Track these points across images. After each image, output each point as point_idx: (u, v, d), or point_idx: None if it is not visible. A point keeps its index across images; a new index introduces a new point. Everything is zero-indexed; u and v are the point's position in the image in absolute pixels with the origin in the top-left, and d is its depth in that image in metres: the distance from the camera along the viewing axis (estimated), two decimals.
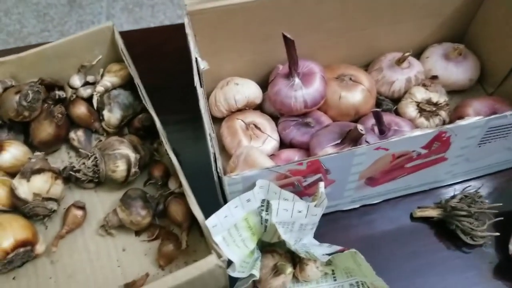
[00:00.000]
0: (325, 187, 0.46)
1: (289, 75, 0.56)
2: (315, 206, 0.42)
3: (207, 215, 0.41)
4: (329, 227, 0.53)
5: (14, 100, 0.54)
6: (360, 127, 0.48)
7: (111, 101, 0.59)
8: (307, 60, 0.59)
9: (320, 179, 0.46)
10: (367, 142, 0.50)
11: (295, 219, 0.44)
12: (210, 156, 0.41)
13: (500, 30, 0.59)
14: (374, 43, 0.63)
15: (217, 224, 0.41)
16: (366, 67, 0.65)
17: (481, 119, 0.44)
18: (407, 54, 0.59)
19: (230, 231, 0.43)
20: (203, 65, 0.47)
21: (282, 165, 0.42)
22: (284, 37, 0.52)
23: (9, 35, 1.78)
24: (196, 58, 0.47)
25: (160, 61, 0.70)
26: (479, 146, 0.49)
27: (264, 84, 0.61)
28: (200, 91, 0.45)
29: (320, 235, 0.49)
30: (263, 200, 0.44)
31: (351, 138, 0.49)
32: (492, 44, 0.61)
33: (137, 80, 0.54)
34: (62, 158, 0.60)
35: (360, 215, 0.56)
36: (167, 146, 0.49)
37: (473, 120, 0.44)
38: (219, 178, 0.42)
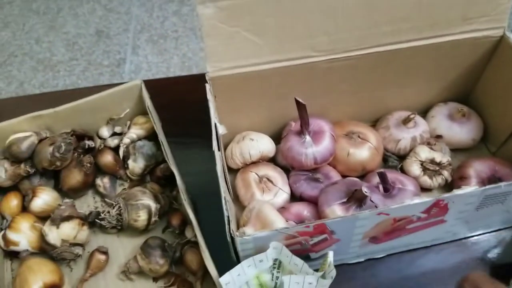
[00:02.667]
0: (330, 245, 0.49)
1: (300, 133, 0.60)
2: (323, 275, 0.45)
3: (220, 261, 0.46)
4: (334, 279, 0.56)
5: (48, 152, 0.59)
6: (364, 188, 0.51)
7: (136, 151, 0.63)
8: (318, 118, 0.63)
9: (326, 239, 0.49)
10: (371, 201, 0.54)
11: None
12: (224, 218, 0.45)
13: (503, 94, 0.62)
14: (382, 102, 0.67)
15: (230, 282, 0.45)
16: (374, 123, 0.69)
17: (477, 189, 0.47)
18: (412, 116, 0.63)
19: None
20: (221, 130, 0.52)
21: (291, 227, 0.46)
22: (297, 101, 0.57)
23: (38, 63, 1.87)
24: (215, 124, 0.51)
25: (184, 111, 0.75)
26: (477, 210, 0.52)
27: (277, 138, 0.65)
28: (218, 155, 0.49)
29: None
30: (275, 260, 0.48)
31: (356, 198, 0.53)
32: (495, 106, 0.64)
33: (161, 136, 0.59)
34: (88, 203, 0.65)
35: (364, 268, 0.59)
36: (184, 198, 0.53)
37: (469, 190, 0.47)
38: (232, 238, 0.46)
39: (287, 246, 0.49)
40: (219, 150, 0.52)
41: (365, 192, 0.51)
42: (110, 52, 1.87)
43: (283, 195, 0.60)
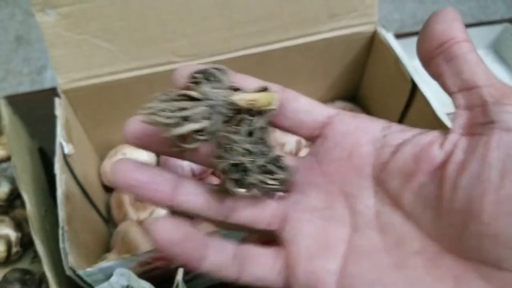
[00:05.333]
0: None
1: None
2: None
3: None
4: None
5: None
6: None
7: None
8: None
9: None
10: None
11: None
12: (61, 251, 0.41)
13: (383, 90, 0.61)
14: None
15: None
16: None
17: None
18: None
19: None
20: (68, 149, 0.47)
21: (140, 253, 0.42)
22: None
23: None
24: (60, 143, 0.47)
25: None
26: None
27: None
28: (59, 178, 0.44)
29: None
30: (127, 286, 0.44)
31: None
32: (378, 101, 0.63)
33: (14, 158, 0.53)
34: None
35: None
36: (32, 227, 0.48)
37: None
38: (74, 272, 0.42)
39: (149, 271, 0.45)
40: (71, 172, 0.47)
41: None
42: (30, 59, 1.78)
43: (161, 212, 0.56)
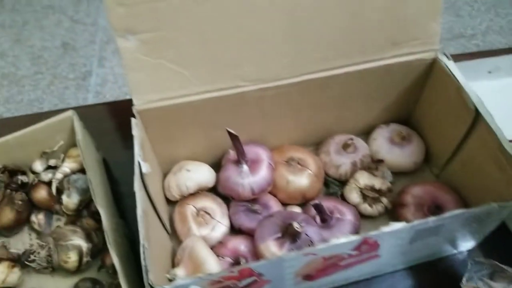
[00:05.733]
0: (262, 286, 0.48)
1: (238, 163, 0.59)
2: None
3: None
4: None
5: None
6: (296, 224, 0.50)
7: (70, 186, 0.61)
8: (256, 145, 0.62)
9: (255, 281, 0.48)
10: (307, 235, 0.53)
11: None
12: (142, 267, 0.44)
13: (440, 116, 0.61)
14: (322, 125, 0.66)
15: None
16: (317, 145, 0.68)
17: (405, 225, 0.46)
18: (350, 142, 0.62)
19: None
20: (145, 169, 0.50)
21: (214, 274, 0.45)
22: (229, 133, 0.55)
23: (3, 77, 1.83)
24: (139, 162, 0.50)
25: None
26: (412, 244, 0.51)
27: (218, 165, 0.64)
28: (139, 196, 0.47)
29: None
30: None
31: (290, 234, 0.52)
32: (434, 128, 0.63)
33: (90, 173, 0.57)
34: (23, 240, 0.62)
35: None
36: (109, 241, 0.51)
37: (396, 228, 0.46)
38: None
39: None
40: (145, 189, 0.50)
41: (297, 228, 0.50)
42: (76, 65, 1.84)
43: (221, 229, 0.59)
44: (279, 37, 0.53)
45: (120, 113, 0.78)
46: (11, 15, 2.08)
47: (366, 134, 0.68)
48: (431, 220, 0.46)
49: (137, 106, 0.55)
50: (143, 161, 0.50)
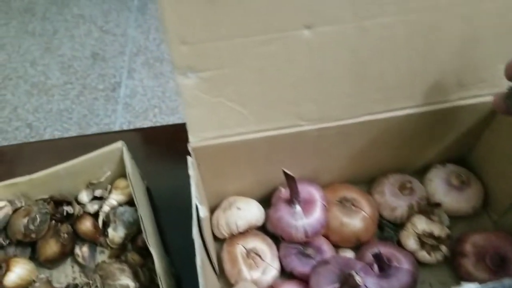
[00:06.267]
0: None
1: (290, 202, 0.57)
2: None
3: None
4: None
5: (22, 224, 0.56)
6: (357, 277, 0.48)
7: (116, 218, 0.60)
8: (308, 184, 0.60)
9: None
10: (366, 287, 0.50)
11: None
12: None
13: (502, 159, 0.59)
14: (377, 164, 0.63)
15: None
16: (368, 183, 0.66)
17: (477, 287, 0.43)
18: (408, 185, 0.59)
19: None
20: (203, 213, 0.48)
21: None
22: (285, 173, 0.53)
23: (33, 86, 1.84)
24: (196, 206, 0.48)
25: (172, 163, 0.71)
26: None
27: (266, 201, 0.62)
28: (198, 244, 0.45)
29: None
30: None
31: (349, 285, 0.49)
32: (495, 171, 0.61)
33: (140, 208, 0.55)
34: (66, 273, 0.61)
35: None
36: (161, 284, 0.50)
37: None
38: None
39: None
40: (201, 236, 0.48)
41: (358, 281, 0.48)
42: (105, 75, 1.85)
43: (272, 272, 0.57)
44: (343, 77, 0.51)
45: (162, 137, 0.77)
46: (42, 23, 2.11)
47: (419, 173, 0.65)
48: (507, 282, 0.44)
49: (192, 143, 0.53)
50: (201, 204, 0.48)
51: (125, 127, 1.64)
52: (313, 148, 0.58)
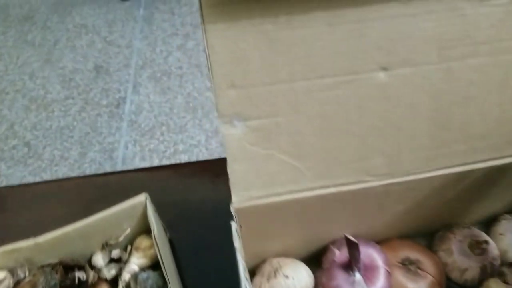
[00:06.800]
0: None
1: (348, 268, 0.48)
2: None
3: None
4: None
5: None
6: None
7: (138, 286, 0.51)
8: (366, 244, 0.51)
9: None
10: None
11: None
12: None
13: None
14: (440, 217, 0.55)
15: None
16: (430, 236, 0.57)
17: None
18: (484, 246, 0.51)
19: None
20: None
21: None
22: (347, 239, 0.45)
23: (31, 101, 1.75)
24: (245, 286, 0.39)
25: (197, 212, 0.63)
26: None
27: (312, 261, 0.53)
28: None
29: None
30: None
31: None
32: None
33: (168, 273, 0.46)
34: None
35: None
36: None
37: None
38: None
39: None
40: None
41: None
42: (109, 90, 1.75)
43: None
44: (421, 126, 0.43)
45: (184, 176, 0.68)
46: (42, 32, 2.02)
47: (483, 223, 0.56)
48: None
49: (235, 203, 0.44)
50: (247, 279, 0.39)
51: (130, 146, 1.55)
52: (374, 205, 0.49)
